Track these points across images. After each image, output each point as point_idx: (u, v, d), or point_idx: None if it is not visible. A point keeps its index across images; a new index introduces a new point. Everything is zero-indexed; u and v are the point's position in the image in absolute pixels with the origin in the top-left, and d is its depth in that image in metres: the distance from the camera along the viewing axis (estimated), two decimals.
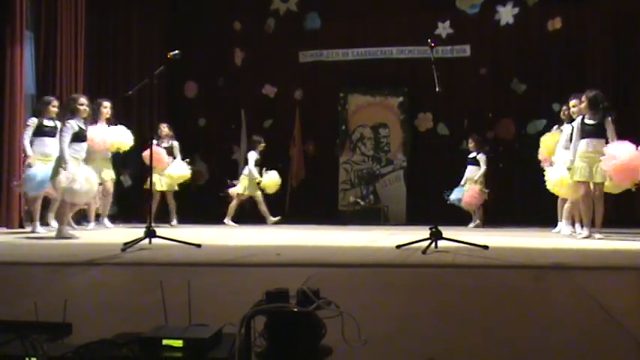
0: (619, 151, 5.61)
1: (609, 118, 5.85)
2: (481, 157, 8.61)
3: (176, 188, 8.44)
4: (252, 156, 8.90)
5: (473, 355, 2.15)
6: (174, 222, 8.37)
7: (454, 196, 8.54)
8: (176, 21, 10.50)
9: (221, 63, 10.54)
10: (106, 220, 7.69)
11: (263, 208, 8.93)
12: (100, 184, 6.80)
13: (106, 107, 7.41)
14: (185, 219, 8.64)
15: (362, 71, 10.29)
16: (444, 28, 9.96)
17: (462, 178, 8.65)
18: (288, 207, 10.18)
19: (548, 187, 6.62)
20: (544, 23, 9.72)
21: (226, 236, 6.39)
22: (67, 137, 5.74)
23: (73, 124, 5.83)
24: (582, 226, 6.25)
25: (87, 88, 8.63)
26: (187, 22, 10.48)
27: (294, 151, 10.28)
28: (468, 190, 8.47)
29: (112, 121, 7.50)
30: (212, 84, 10.58)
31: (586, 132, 5.91)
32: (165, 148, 8.39)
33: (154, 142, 7.36)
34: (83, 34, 8.64)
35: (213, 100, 10.53)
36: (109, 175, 7.58)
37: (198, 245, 4.61)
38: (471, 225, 8.47)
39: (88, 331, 1.91)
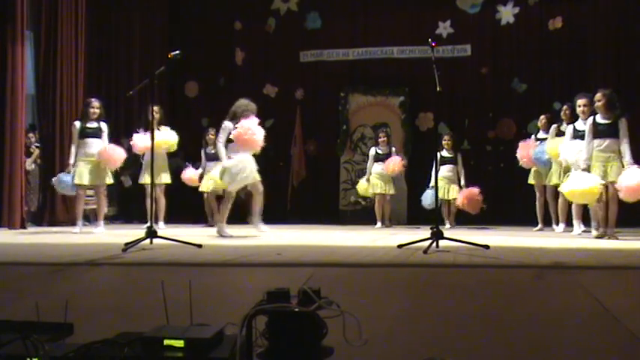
0: (630, 178, 5.51)
1: (624, 119, 5.73)
2: (459, 157, 8.64)
3: (220, 192, 8.47)
4: (371, 152, 8.92)
5: (474, 354, 2.15)
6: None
7: (428, 201, 8.34)
8: (177, 21, 10.52)
9: (222, 63, 10.56)
10: (160, 224, 7.75)
11: (387, 209, 8.85)
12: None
13: (157, 113, 7.15)
14: (185, 219, 8.65)
15: (363, 71, 10.31)
16: (444, 28, 9.97)
17: (430, 179, 8.16)
18: (289, 206, 10.18)
19: (564, 193, 6.33)
20: (545, 22, 9.74)
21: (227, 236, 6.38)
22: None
23: None
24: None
25: (87, 88, 8.65)
26: (188, 21, 10.50)
27: (295, 151, 10.29)
28: (469, 194, 8.32)
29: (161, 124, 7.54)
30: (213, 84, 10.59)
31: (599, 132, 5.77)
32: (211, 153, 8.39)
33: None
34: (84, 34, 8.66)
35: (214, 100, 10.53)
36: (165, 178, 7.79)
37: (199, 245, 4.61)
38: (447, 226, 8.38)
39: (89, 331, 1.91)
